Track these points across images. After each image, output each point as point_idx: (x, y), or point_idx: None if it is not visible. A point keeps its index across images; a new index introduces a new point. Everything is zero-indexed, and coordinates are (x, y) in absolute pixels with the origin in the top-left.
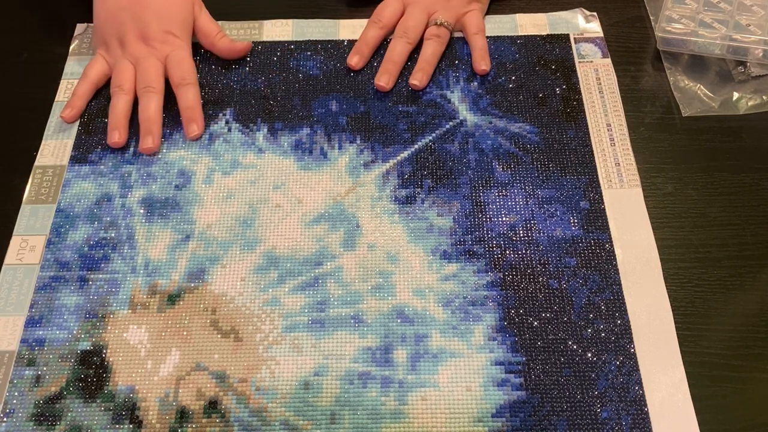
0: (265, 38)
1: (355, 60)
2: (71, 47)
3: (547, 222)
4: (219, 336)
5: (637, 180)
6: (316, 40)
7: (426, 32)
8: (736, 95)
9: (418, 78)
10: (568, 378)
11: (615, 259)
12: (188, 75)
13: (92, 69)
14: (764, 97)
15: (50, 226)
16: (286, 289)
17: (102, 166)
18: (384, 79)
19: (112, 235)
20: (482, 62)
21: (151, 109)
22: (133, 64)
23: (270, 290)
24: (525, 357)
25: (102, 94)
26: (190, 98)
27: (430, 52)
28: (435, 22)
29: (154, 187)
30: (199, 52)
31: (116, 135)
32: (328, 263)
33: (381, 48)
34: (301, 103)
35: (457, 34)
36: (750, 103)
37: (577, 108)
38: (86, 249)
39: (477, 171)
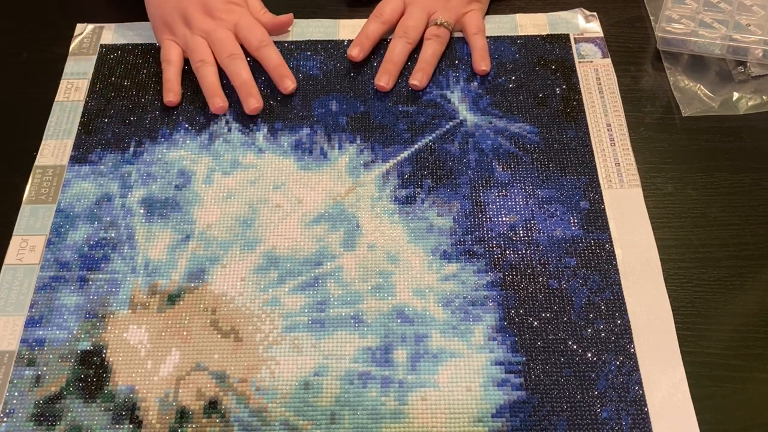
0: None
1: (355, 51)
2: (71, 47)
3: (547, 222)
4: (219, 336)
5: (637, 180)
6: (316, 40)
7: (426, 32)
8: (736, 95)
9: (417, 78)
10: (568, 378)
11: (615, 259)
12: (264, 37)
13: (171, 54)
14: (764, 97)
15: (50, 226)
16: (286, 289)
17: (102, 166)
18: (384, 79)
19: (112, 235)
20: (482, 62)
21: (243, 74)
22: (205, 39)
23: (270, 290)
24: (525, 357)
25: (101, 95)
26: (274, 57)
27: (430, 52)
28: (435, 22)
29: (154, 187)
30: None
31: (218, 100)
32: (328, 263)
33: (381, 48)
34: (301, 103)
35: (457, 34)
36: (750, 103)
37: (577, 108)
38: (86, 249)
39: (477, 171)
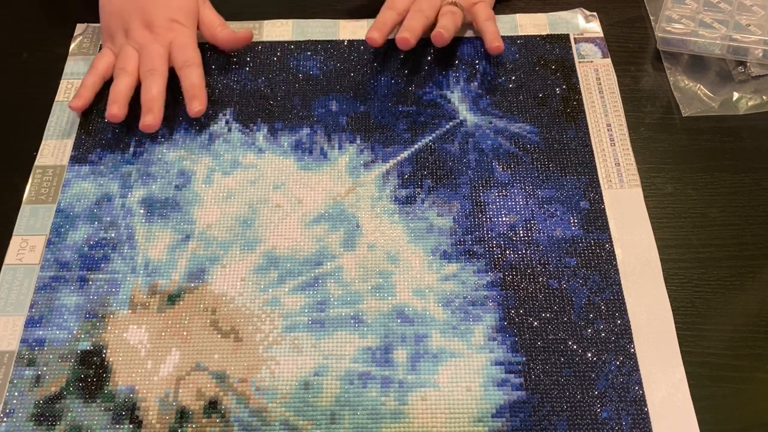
0: (265, 38)
1: (375, 34)
2: (71, 47)
3: (547, 222)
4: (219, 336)
5: (637, 180)
6: (316, 40)
7: (440, 10)
8: (736, 95)
9: (443, 27)
10: (568, 378)
11: (615, 259)
12: (192, 57)
13: (100, 61)
14: (764, 97)
15: (50, 226)
16: (286, 289)
17: (102, 166)
18: (403, 34)
19: (112, 235)
20: (495, 40)
21: (154, 90)
22: (137, 51)
23: (270, 290)
24: (525, 357)
25: (105, 94)
26: (193, 77)
27: (448, 18)
28: (448, 1)
29: (154, 187)
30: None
31: (115, 108)
32: (328, 263)
33: (382, 50)
34: (301, 103)
35: (457, 35)
36: (750, 103)
37: (577, 108)
38: (86, 249)
39: (477, 171)
